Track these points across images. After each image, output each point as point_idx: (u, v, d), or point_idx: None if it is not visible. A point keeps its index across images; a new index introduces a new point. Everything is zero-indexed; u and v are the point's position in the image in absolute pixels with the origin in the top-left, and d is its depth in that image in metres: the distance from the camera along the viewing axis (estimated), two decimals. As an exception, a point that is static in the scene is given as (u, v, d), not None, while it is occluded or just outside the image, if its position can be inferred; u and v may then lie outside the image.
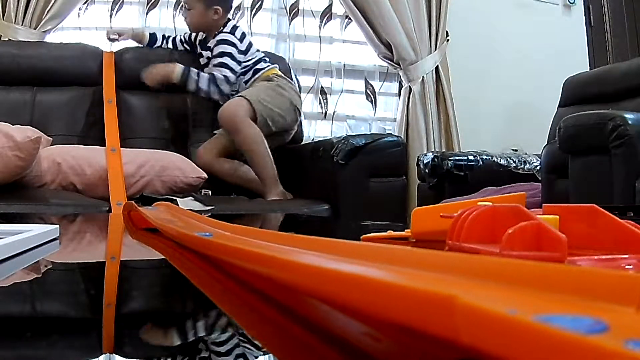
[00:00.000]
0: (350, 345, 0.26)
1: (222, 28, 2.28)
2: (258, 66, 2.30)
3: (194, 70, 2.21)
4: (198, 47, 2.37)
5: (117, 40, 2.40)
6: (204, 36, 2.36)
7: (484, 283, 0.17)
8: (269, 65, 2.33)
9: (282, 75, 2.34)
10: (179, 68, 2.20)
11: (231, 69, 2.23)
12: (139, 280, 0.55)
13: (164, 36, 2.47)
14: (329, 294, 0.22)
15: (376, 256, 0.26)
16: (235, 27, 2.31)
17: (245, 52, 2.28)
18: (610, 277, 0.16)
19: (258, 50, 2.35)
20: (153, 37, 2.46)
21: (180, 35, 2.47)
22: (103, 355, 0.27)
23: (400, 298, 0.17)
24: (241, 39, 2.28)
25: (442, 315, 0.15)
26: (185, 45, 2.44)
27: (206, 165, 2.11)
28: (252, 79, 2.28)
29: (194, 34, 2.40)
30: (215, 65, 2.23)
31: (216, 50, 2.25)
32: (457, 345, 0.15)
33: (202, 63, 2.34)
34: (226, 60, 2.23)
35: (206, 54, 2.32)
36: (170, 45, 2.46)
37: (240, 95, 2.18)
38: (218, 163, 2.19)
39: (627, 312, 0.12)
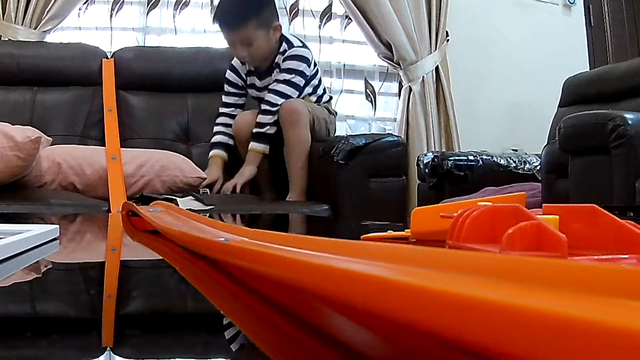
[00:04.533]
0: (355, 351, 0.26)
1: (282, 45, 2.13)
2: (319, 89, 2.23)
3: (258, 133, 2.08)
4: (255, 78, 2.20)
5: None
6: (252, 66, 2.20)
7: (487, 279, 0.17)
8: (330, 97, 2.30)
9: (334, 110, 2.35)
10: (252, 158, 2.07)
11: (298, 87, 2.12)
12: (139, 273, 0.55)
13: (226, 130, 2.22)
14: (344, 295, 0.22)
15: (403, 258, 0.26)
16: (300, 39, 2.20)
17: (311, 63, 2.18)
18: (614, 272, 0.16)
19: (318, 67, 2.26)
20: (229, 148, 2.21)
21: (229, 99, 2.25)
22: (103, 355, 0.27)
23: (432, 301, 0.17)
24: (310, 50, 2.20)
25: (450, 314, 0.15)
26: (238, 93, 2.27)
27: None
28: (309, 96, 2.19)
29: (235, 76, 2.25)
30: (282, 82, 2.10)
31: (285, 65, 2.11)
32: (460, 343, 0.15)
33: (261, 89, 2.19)
34: (294, 77, 2.11)
35: (272, 75, 2.15)
36: (239, 104, 2.27)
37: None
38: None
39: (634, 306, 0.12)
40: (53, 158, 1.90)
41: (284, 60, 2.13)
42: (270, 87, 2.13)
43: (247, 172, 2.09)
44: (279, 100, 2.09)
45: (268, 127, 2.09)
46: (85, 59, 2.34)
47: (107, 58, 2.38)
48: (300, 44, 2.17)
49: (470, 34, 3.07)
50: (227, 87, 2.26)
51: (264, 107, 2.11)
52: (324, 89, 2.28)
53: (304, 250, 0.27)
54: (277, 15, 2.16)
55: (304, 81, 2.15)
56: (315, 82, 2.22)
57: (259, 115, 2.11)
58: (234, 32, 2.08)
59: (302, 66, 2.13)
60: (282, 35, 2.16)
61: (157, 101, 2.38)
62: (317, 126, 2.15)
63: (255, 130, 2.10)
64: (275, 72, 2.15)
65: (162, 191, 1.94)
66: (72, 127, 2.25)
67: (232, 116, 2.24)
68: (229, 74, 2.25)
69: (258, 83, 2.21)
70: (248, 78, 2.24)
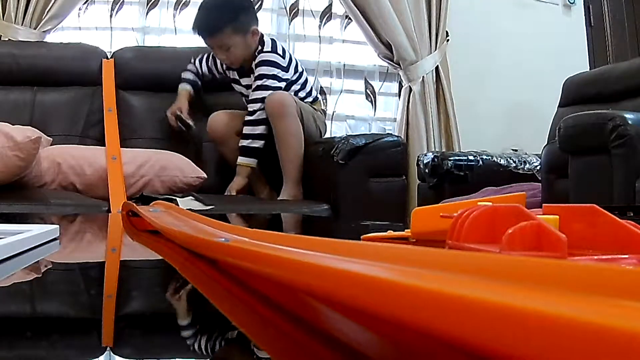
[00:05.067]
0: (354, 350, 0.26)
1: (258, 47, 2.18)
2: (302, 93, 2.24)
3: (244, 147, 2.12)
4: (238, 74, 2.25)
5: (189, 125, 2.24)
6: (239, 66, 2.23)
7: (487, 281, 0.17)
8: (315, 97, 2.32)
9: (322, 109, 2.37)
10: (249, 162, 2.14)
11: (275, 89, 2.14)
12: (139, 273, 0.55)
13: (198, 74, 2.32)
14: (344, 296, 0.22)
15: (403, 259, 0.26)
16: (274, 43, 2.21)
17: (287, 69, 2.20)
18: (614, 272, 0.16)
19: (302, 71, 2.28)
20: (195, 85, 2.30)
21: (209, 63, 2.32)
22: (103, 355, 0.27)
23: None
24: (283, 55, 2.20)
25: (447, 314, 0.15)
26: (214, 71, 2.33)
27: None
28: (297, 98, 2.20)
29: (213, 63, 2.30)
30: (255, 89, 2.14)
31: (258, 72, 2.15)
32: (459, 344, 0.15)
33: (246, 94, 2.23)
34: (266, 82, 2.14)
35: (251, 78, 2.19)
36: (206, 70, 2.33)
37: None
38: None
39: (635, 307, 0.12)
40: (53, 158, 1.90)
41: (256, 66, 2.17)
42: (249, 97, 2.17)
43: (235, 184, 2.12)
44: (256, 106, 2.12)
45: (251, 140, 2.12)
46: (85, 59, 2.34)
47: (107, 58, 2.38)
48: (269, 49, 2.18)
49: (470, 34, 3.07)
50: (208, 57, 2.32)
51: (247, 117, 2.14)
52: (309, 92, 2.28)
53: (304, 251, 0.27)
54: (256, 20, 2.19)
55: (282, 84, 2.17)
56: (296, 87, 2.23)
57: (244, 127, 2.14)
58: (210, 39, 2.14)
59: (273, 70, 2.16)
60: (262, 36, 2.20)
61: (157, 101, 2.38)
62: (306, 120, 2.16)
63: (241, 143, 2.14)
64: (252, 75, 2.19)
65: (162, 191, 1.94)
66: (72, 127, 2.25)
67: (202, 73, 2.32)
68: (214, 59, 2.30)
69: (237, 77, 2.26)
70: (228, 72, 2.28)
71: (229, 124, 2.20)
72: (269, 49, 2.18)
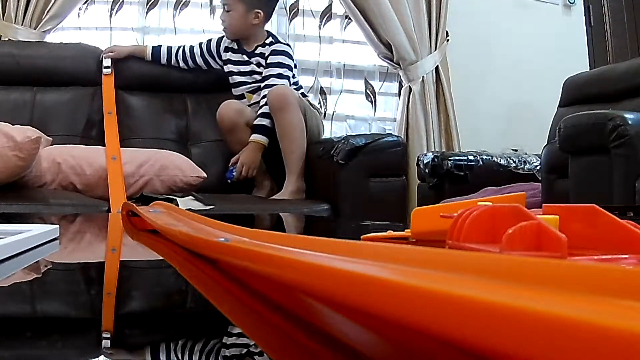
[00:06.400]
0: (354, 350, 0.26)
1: (268, 38, 2.26)
2: (293, 87, 2.29)
3: (260, 126, 2.15)
4: (239, 54, 2.29)
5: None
6: (233, 44, 2.30)
7: (487, 280, 0.17)
8: (303, 93, 2.37)
9: (316, 106, 2.45)
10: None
11: (289, 80, 2.22)
12: (139, 273, 0.55)
13: (169, 50, 2.36)
14: (341, 295, 0.22)
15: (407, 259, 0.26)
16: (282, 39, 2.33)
17: (295, 64, 2.31)
18: (614, 272, 0.16)
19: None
20: (156, 52, 2.35)
21: (198, 46, 2.36)
22: (103, 349, 0.27)
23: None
24: (291, 50, 2.32)
25: (447, 314, 0.15)
26: (204, 56, 2.35)
27: None
28: None
29: (215, 42, 2.34)
30: (274, 76, 2.20)
31: (274, 59, 2.22)
32: (460, 344, 0.15)
33: (245, 70, 2.29)
34: (286, 71, 2.22)
35: (254, 60, 2.26)
36: (181, 61, 2.36)
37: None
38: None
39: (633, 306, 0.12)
40: (53, 158, 1.90)
41: (272, 54, 2.23)
42: (266, 82, 2.20)
43: (245, 156, 2.13)
44: None
45: (269, 120, 2.15)
46: (85, 59, 2.34)
47: (107, 58, 2.37)
48: (284, 42, 2.31)
49: (470, 34, 3.07)
50: (209, 42, 2.37)
51: (266, 99, 2.18)
52: (299, 87, 2.34)
53: (304, 251, 0.27)
54: (266, 8, 2.26)
55: (293, 77, 2.26)
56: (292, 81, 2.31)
57: (262, 107, 2.16)
58: None
59: (289, 61, 2.26)
60: (268, 31, 2.31)
61: (157, 101, 2.38)
62: (308, 118, 2.19)
63: (257, 122, 2.16)
64: (257, 58, 2.25)
65: (161, 191, 1.94)
66: (72, 127, 2.25)
67: (196, 52, 2.37)
68: (219, 39, 2.36)
69: (234, 59, 2.30)
70: (224, 54, 2.33)
71: (239, 113, 2.21)
72: (284, 42, 2.30)
